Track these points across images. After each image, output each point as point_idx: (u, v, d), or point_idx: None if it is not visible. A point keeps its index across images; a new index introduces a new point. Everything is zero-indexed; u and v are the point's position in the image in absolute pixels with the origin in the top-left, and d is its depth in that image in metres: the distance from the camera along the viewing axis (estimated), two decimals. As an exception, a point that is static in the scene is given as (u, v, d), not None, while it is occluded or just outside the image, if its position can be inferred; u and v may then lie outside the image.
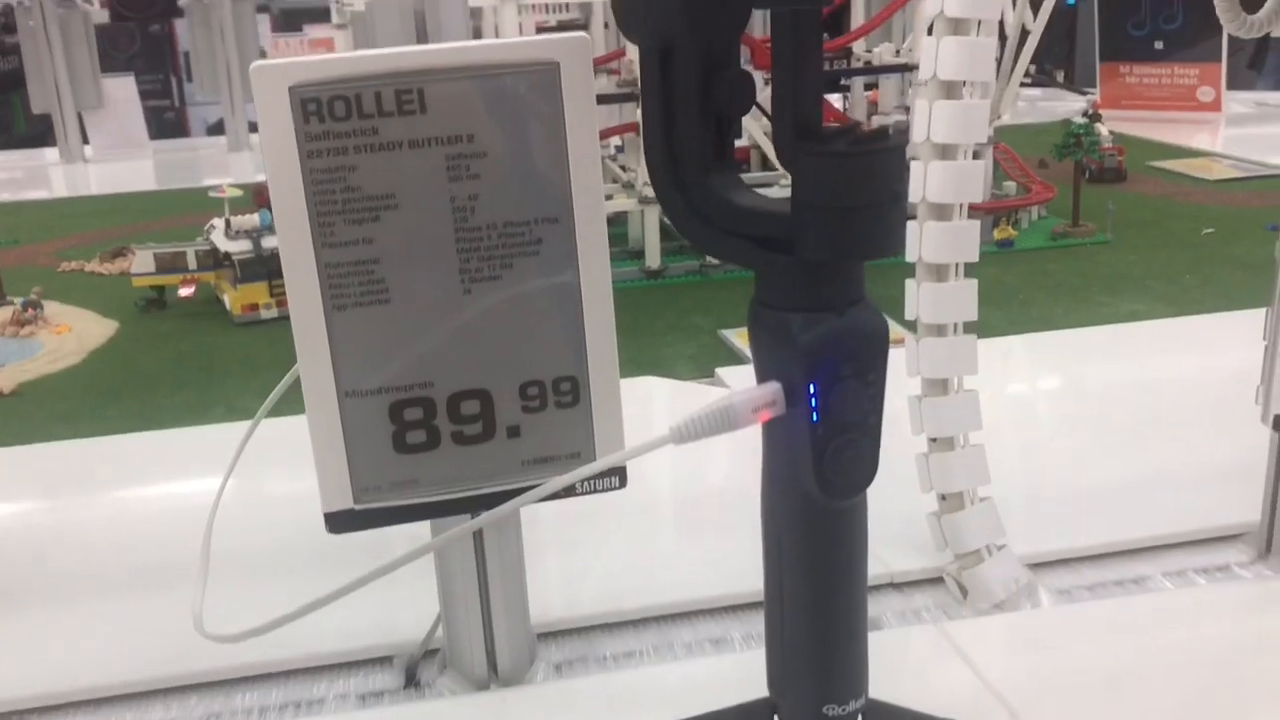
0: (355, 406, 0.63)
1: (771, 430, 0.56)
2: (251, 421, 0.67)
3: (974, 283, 0.78)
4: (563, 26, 1.88)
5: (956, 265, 0.78)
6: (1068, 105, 2.94)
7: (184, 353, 1.41)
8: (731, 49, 0.55)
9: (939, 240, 0.78)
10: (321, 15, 3.57)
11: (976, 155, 0.77)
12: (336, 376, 0.62)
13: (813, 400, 0.53)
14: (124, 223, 2.14)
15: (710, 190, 0.56)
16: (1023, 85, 3.25)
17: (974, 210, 1.73)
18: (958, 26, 0.73)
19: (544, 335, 0.64)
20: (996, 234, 1.69)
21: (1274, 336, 0.73)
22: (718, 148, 0.56)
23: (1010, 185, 1.88)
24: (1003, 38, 1.83)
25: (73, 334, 1.47)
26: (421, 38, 0.62)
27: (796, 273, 0.53)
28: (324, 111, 0.58)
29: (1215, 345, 1.22)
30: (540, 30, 1.99)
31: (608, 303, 0.65)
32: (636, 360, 1.29)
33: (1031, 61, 3.67)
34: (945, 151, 0.75)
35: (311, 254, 0.60)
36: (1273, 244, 0.76)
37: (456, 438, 0.64)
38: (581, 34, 0.61)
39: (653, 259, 1.64)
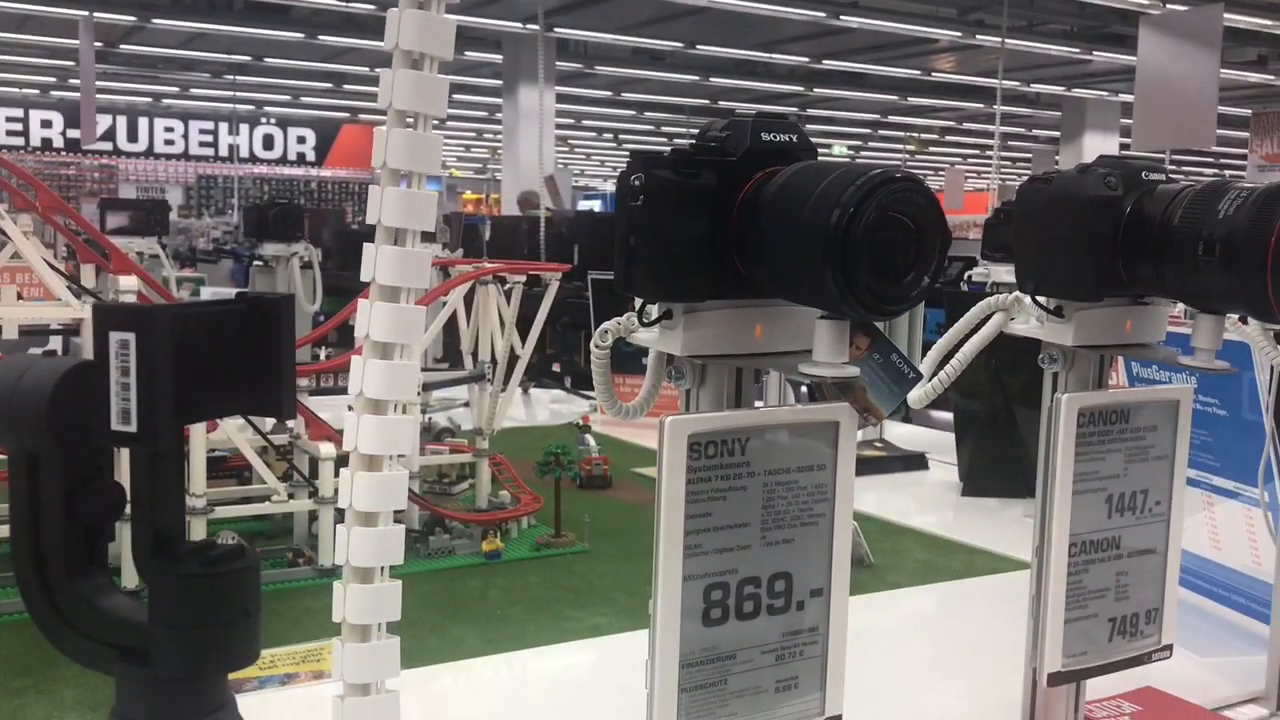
0: None
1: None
2: None
3: (398, 584, 0.77)
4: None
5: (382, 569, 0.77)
6: (575, 408, 3.21)
7: None
8: (100, 461, 0.57)
9: (364, 543, 0.78)
10: None
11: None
12: None
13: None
14: None
15: (75, 595, 0.56)
16: (535, 388, 3.52)
17: (466, 521, 1.83)
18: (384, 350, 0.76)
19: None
20: (485, 546, 1.78)
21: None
22: (87, 553, 0.57)
23: (505, 495, 2.00)
24: (494, 360, 1.99)
25: None
26: None
27: (153, 685, 0.55)
28: None
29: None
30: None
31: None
32: (91, 702, 1.21)
33: (547, 362, 3.95)
34: (378, 406, 0.74)
35: None
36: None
37: None
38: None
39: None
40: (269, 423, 1.79)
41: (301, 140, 14.89)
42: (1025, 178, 1.15)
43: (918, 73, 12.24)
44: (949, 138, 17.19)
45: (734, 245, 0.81)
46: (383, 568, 0.81)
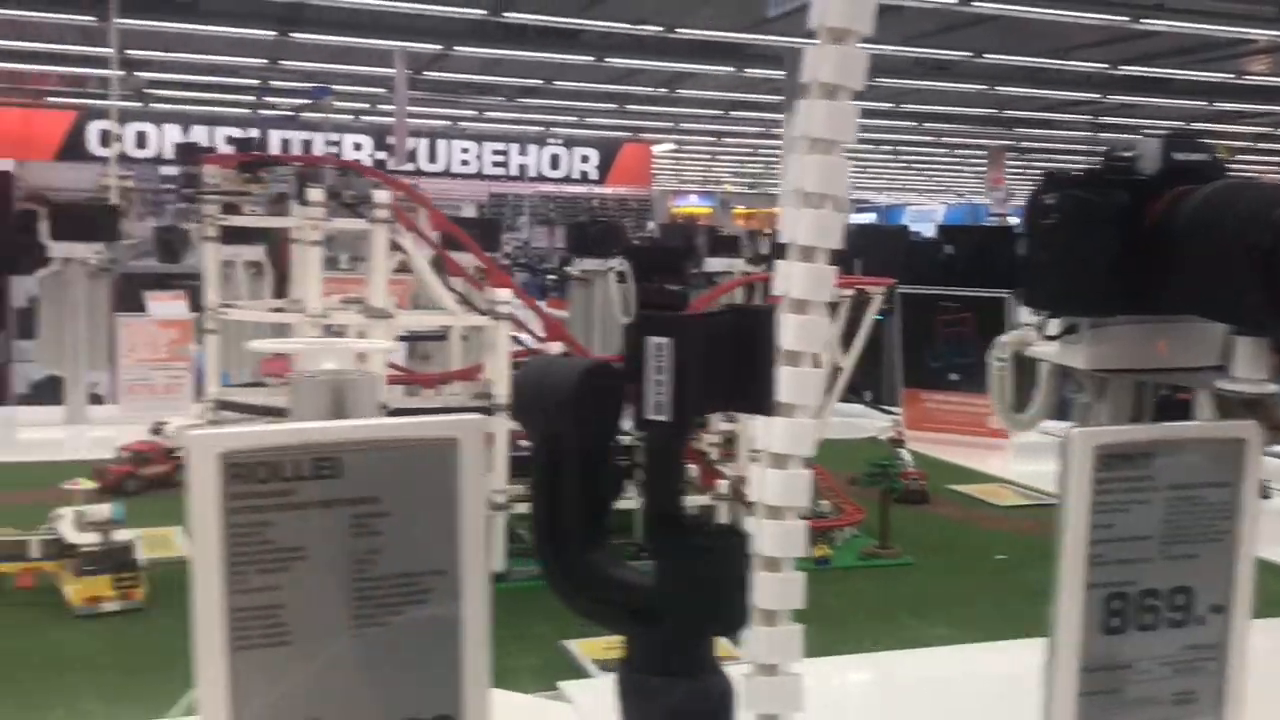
0: (247, 742, 0.67)
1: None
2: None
3: (802, 575, 0.84)
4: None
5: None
6: (874, 423, 3.22)
7: (15, 649, 1.38)
8: (609, 446, 0.66)
9: (773, 534, 0.85)
10: (159, 282, 3.60)
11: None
12: (234, 713, 0.67)
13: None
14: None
15: (588, 564, 0.66)
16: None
17: (794, 527, 1.89)
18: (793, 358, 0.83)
19: (426, 675, 0.71)
20: (815, 552, 1.83)
21: None
22: (594, 527, 0.67)
23: (825, 504, 2.05)
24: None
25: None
26: (339, 410, 0.72)
27: (660, 642, 0.63)
28: (248, 475, 0.66)
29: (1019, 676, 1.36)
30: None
31: (485, 648, 0.73)
32: (480, 670, 1.34)
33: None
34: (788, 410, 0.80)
35: (223, 600, 0.66)
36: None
37: (339, 774, 0.69)
38: (478, 416, 0.71)
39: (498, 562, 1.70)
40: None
41: (585, 159, 15.52)
42: None
43: (1229, 76, 11.44)
44: (1261, 145, 15.93)
45: (1144, 262, 0.83)
46: (788, 558, 0.88)
